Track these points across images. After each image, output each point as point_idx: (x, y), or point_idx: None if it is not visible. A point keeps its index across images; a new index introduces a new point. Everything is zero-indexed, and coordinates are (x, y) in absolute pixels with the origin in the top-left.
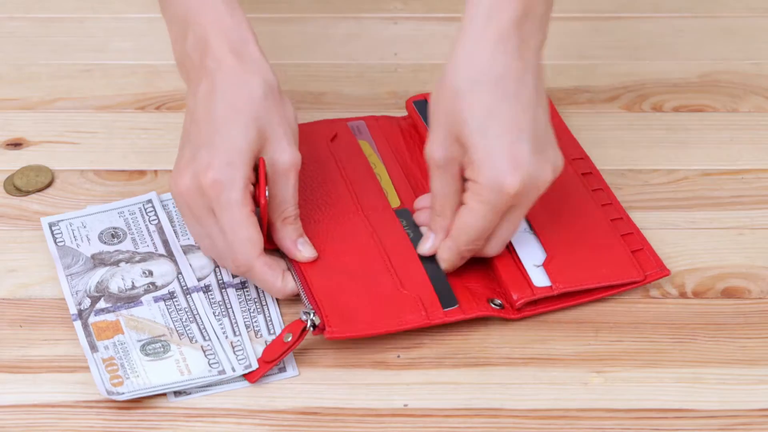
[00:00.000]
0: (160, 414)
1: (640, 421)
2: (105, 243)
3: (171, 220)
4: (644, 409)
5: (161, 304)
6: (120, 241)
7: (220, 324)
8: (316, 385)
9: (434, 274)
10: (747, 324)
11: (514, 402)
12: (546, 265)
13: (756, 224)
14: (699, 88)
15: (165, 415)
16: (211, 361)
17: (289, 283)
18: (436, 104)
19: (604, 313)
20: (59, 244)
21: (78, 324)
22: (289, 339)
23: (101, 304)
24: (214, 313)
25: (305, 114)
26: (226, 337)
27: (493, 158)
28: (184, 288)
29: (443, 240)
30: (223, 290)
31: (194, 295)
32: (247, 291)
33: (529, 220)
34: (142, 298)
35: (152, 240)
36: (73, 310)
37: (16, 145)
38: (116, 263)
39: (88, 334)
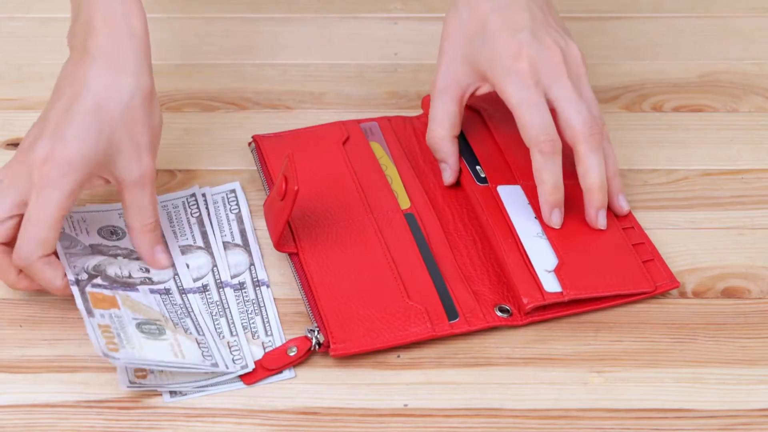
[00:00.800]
0: (160, 414)
1: (640, 421)
2: (104, 238)
3: (170, 221)
4: (644, 409)
5: (157, 296)
6: (119, 239)
7: (217, 324)
8: (316, 385)
9: (439, 284)
10: (747, 324)
11: (514, 402)
12: (557, 271)
13: (756, 224)
14: (699, 88)
15: (164, 415)
16: (204, 353)
17: (66, 285)
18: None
19: (604, 313)
20: None
21: (75, 289)
22: (293, 353)
23: (98, 281)
24: (211, 312)
25: (305, 114)
26: (222, 336)
27: (501, 58)
28: (180, 288)
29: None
30: (221, 290)
31: (190, 296)
32: (245, 292)
33: (543, 225)
34: (138, 287)
35: (191, 232)
36: (71, 277)
37: (16, 145)
38: (114, 257)
39: (85, 300)
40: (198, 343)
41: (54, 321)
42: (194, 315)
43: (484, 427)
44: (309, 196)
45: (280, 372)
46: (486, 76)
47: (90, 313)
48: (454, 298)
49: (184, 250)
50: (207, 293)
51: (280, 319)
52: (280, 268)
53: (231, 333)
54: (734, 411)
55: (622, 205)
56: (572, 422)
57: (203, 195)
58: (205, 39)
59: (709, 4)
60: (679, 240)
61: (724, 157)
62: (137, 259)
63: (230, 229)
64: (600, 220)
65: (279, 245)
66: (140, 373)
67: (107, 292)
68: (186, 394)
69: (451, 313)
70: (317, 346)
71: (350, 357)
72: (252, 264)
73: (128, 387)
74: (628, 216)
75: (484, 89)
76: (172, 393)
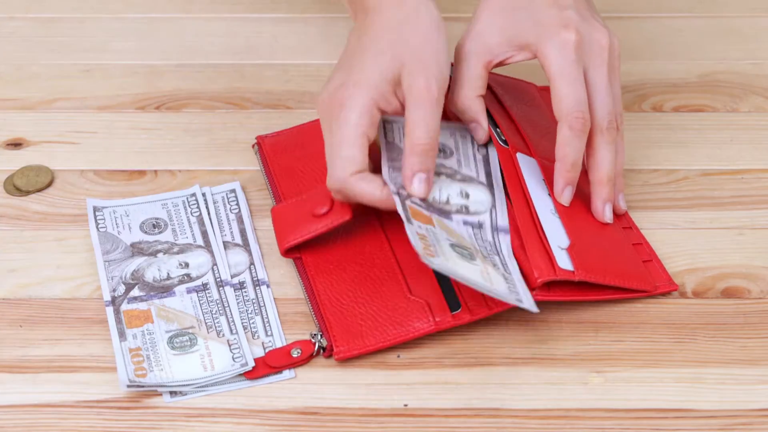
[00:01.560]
0: (160, 414)
1: (640, 421)
2: (145, 233)
3: (170, 220)
4: (644, 409)
5: (194, 295)
6: (160, 232)
7: (217, 323)
8: (316, 385)
9: (441, 276)
10: (747, 324)
11: (514, 402)
12: (570, 250)
13: (756, 224)
14: (699, 88)
15: (165, 415)
16: (235, 356)
17: (388, 196)
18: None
19: (604, 313)
20: (101, 229)
21: (110, 310)
22: (297, 355)
23: (135, 292)
24: (242, 310)
25: (305, 114)
26: (222, 335)
27: (549, 27)
28: (218, 280)
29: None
30: (221, 288)
31: (227, 288)
32: (245, 291)
33: (556, 204)
34: (176, 289)
35: (191, 231)
36: (107, 297)
37: (16, 145)
38: (154, 254)
39: (118, 321)
40: (230, 345)
41: (54, 321)
42: (229, 311)
43: (484, 427)
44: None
45: (281, 371)
46: (528, 43)
47: (122, 335)
48: (456, 288)
49: (184, 248)
50: (243, 290)
51: (280, 319)
52: (280, 268)
53: (231, 332)
54: (734, 411)
55: (621, 205)
56: (572, 422)
57: (203, 195)
58: (205, 39)
59: (709, 4)
60: (679, 240)
61: (724, 157)
62: (177, 252)
63: (230, 228)
64: (606, 213)
65: (286, 252)
66: (140, 372)
67: (143, 306)
68: (186, 394)
69: (453, 304)
70: (321, 350)
71: (351, 357)
72: (252, 264)
73: (128, 387)
74: (626, 216)
75: (517, 58)
76: (172, 393)
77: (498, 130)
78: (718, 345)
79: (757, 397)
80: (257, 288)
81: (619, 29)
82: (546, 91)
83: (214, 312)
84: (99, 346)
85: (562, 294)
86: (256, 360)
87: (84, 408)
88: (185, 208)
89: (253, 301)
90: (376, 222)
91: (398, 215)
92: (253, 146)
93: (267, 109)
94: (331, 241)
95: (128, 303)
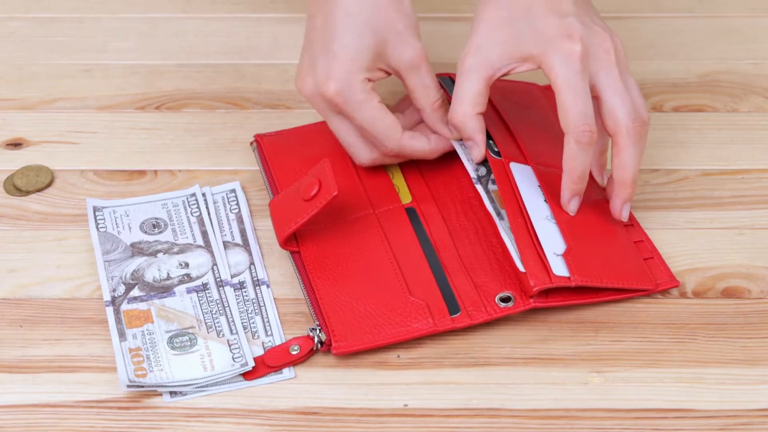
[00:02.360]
0: (160, 414)
1: (640, 421)
2: (145, 233)
3: (170, 220)
4: (644, 409)
5: (194, 295)
6: (160, 232)
7: (218, 322)
8: (316, 385)
9: (441, 279)
10: (747, 324)
11: (514, 402)
12: (566, 256)
13: (756, 224)
14: (699, 88)
15: (165, 415)
16: (235, 356)
17: (437, 141)
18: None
19: (604, 313)
20: (101, 229)
21: (110, 310)
22: (296, 352)
23: (135, 292)
24: (242, 310)
25: (305, 114)
26: (222, 335)
27: (552, 38)
28: (218, 280)
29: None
30: (221, 288)
31: (227, 288)
32: (245, 291)
33: (553, 209)
34: (176, 289)
35: (191, 231)
36: (107, 297)
37: (16, 145)
38: (154, 254)
39: (118, 321)
40: (230, 345)
41: (54, 321)
42: (229, 311)
43: (484, 427)
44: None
45: (281, 370)
46: (531, 54)
47: (122, 335)
48: (455, 291)
49: (184, 248)
50: (243, 290)
51: (280, 319)
52: (280, 268)
53: (231, 332)
54: (734, 411)
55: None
56: (572, 422)
57: (203, 195)
58: (205, 39)
59: (709, 4)
60: (679, 240)
61: (724, 157)
62: (177, 252)
63: (230, 228)
64: (624, 213)
65: (285, 243)
66: (140, 372)
67: (143, 306)
68: (186, 394)
69: (453, 308)
70: (319, 345)
71: (350, 357)
72: (252, 263)
73: (128, 387)
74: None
75: (520, 69)
76: (172, 393)
77: (491, 141)
78: (718, 345)
79: (757, 397)
80: (257, 288)
81: (619, 29)
82: (549, 90)
83: (214, 312)
84: (99, 346)
85: (561, 299)
86: (254, 359)
87: (84, 408)
88: (185, 208)
89: (253, 301)
90: (376, 222)
91: (398, 217)
92: (251, 143)
93: (267, 109)
94: (330, 237)
95: (128, 303)
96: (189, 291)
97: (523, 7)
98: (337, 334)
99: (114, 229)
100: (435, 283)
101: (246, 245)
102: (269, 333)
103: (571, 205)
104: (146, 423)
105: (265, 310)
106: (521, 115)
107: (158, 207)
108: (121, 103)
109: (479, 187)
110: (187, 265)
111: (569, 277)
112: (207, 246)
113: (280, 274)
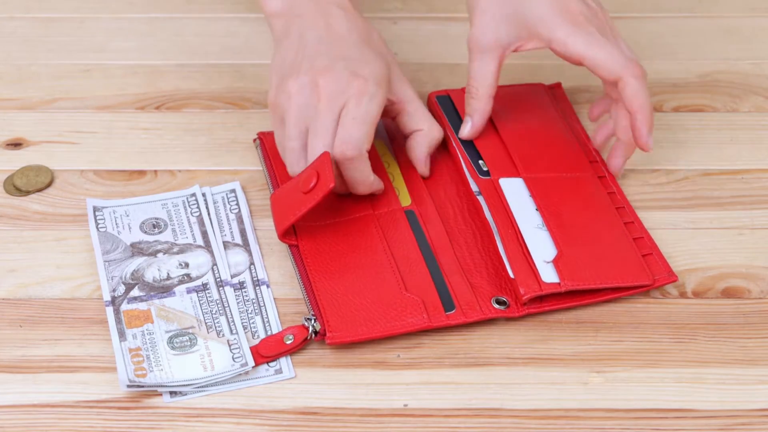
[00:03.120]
0: (160, 414)
1: (640, 421)
2: (145, 233)
3: (170, 220)
4: (644, 409)
5: (193, 295)
6: (160, 232)
7: (217, 322)
8: (316, 385)
9: (437, 277)
10: (747, 324)
11: (514, 402)
12: (556, 262)
13: (756, 224)
14: (699, 88)
15: (165, 415)
16: (235, 356)
17: (378, 181)
18: None
19: (604, 313)
20: (101, 229)
21: (110, 310)
22: (290, 341)
23: (135, 292)
24: (242, 310)
25: None
26: (222, 335)
27: (556, 14)
28: (218, 280)
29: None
30: (221, 288)
31: (227, 288)
32: (245, 291)
33: (544, 216)
34: (175, 289)
35: (191, 231)
36: (107, 297)
37: (16, 145)
38: (154, 254)
39: (118, 321)
40: (229, 345)
41: (54, 321)
42: (229, 311)
43: (484, 427)
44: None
45: (281, 370)
46: (537, 32)
47: (122, 335)
48: (451, 290)
49: (184, 248)
50: (243, 290)
51: (280, 319)
52: (280, 268)
53: (231, 332)
54: (734, 411)
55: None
56: (572, 422)
57: (203, 195)
58: (205, 39)
59: (709, 4)
60: (679, 240)
61: (724, 157)
62: (177, 252)
63: (230, 228)
64: (650, 142)
65: (284, 236)
66: (140, 372)
67: (143, 306)
68: (186, 394)
69: (448, 305)
70: (314, 335)
71: (350, 357)
72: (252, 263)
73: (128, 387)
74: (629, 210)
75: (527, 46)
76: (172, 393)
77: (481, 161)
78: (718, 345)
79: (757, 397)
80: (257, 288)
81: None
82: (558, 87)
83: (214, 312)
84: (99, 346)
85: (555, 303)
86: (250, 349)
87: (84, 408)
88: (185, 208)
89: (253, 301)
90: (375, 222)
91: (397, 219)
92: (254, 140)
93: (267, 109)
94: (329, 234)
95: (128, 303)
96: (189, 291)
97: None
98: (331, 324)
99: (114, 229)
100: (431, 281)
101: (246, 245)
102: (269, 333)
103: (650, 140)
104: (146, 423)
105: (265, 310)
106: (520, 122)
107: (158, 207)
108: (121, 103)
109: (481, 199)
110: (187, 265)
111: (559, 283)
112: (207, 246)
113: (280, 274)
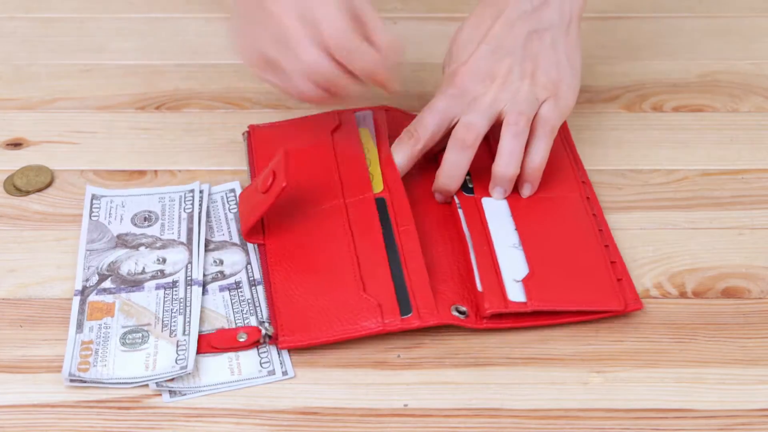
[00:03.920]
0: (160, 414)
1: (640, 421)
2: (135, 225)
3: (162, 213)
4: (644, 409)
5: (161, 292)
6: (149, 225)
7: (248, 321)
8: (316, 385)
9: (398, 277)
10: (747, 324)
11: (514, 402)
12: (525, 282)
13: (756, 224)
14: (699, 88)
15: (165, 415)
16: (178, 357)
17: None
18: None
19: None
20: (93, 218)
21: (77, 300)
22: (243, 340)
23: (106, 284)
24: (237, 309)
25: (305, 114)
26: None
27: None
28: (188, 279)
29: None
30: (188, 287)
31: (194, 287)
32: (241, 291)
33: (521, 236)
34: (146, 284)
35: (179, 227)
36: (78, 286)
37: (16, 145)
38: (136, 247)
39: (81, 311)
40: (177, 346)
41: (54, 321)
42: (189, 311)
43: (484, 427)
44: (287, 189)
45: (223, 352)
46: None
47: (80, 327)
48: (410, 292)
49: (167, 244)
50: (239, 289)
51: None
52: None
53: (183, 332)
54: (734, 411)
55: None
56: (572, 422)
57: (201, 191)
58: (205, 39)
59: (709, 4)
60: (679, 240)
61: (724, 157)
62: (159, 248)
63: (228, 228)
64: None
65: (248, 236)
66: (83, 366)
67: (109, 299)
68: (186, 394)
69: (405, 308)
70: (267, 338)
71: (350, 357)
72: (248, 263)
73: (71, 382)
74: (606, 234)
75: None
76: (172, 393)
77: (468, 177)
78: (718, 345)
79: (757, 397)
80: (253, 288)
81: (619, 29)
82: None
83: (174, 311)
84: None
85: (514, 321)
86: (200, 336)
87: (83, 408)
88: (180, 203)
89: (249, 300)
90: (344, 214)
91: (366, 209)
92: (243, 134)
93: (267, 109)
94: (297, 229)
95: (96, 294)
96: (158, 287)
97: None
98: (284, 329)
99: (105, 219)
100: (391, 281)
101: (243, 245)
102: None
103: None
104: (146, 423)
105: (260, 311)
106: None
107: (155, 200)
108: (121, 103)
109: (460, 212)
110: (164, 260)
111: (526, 303)
112: (188, 243)
113: None
